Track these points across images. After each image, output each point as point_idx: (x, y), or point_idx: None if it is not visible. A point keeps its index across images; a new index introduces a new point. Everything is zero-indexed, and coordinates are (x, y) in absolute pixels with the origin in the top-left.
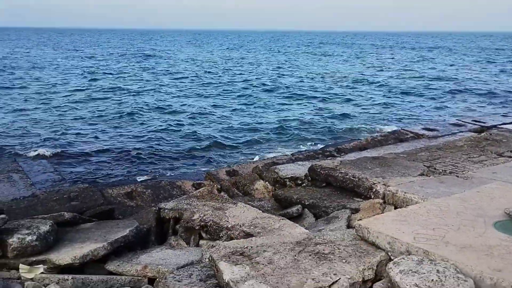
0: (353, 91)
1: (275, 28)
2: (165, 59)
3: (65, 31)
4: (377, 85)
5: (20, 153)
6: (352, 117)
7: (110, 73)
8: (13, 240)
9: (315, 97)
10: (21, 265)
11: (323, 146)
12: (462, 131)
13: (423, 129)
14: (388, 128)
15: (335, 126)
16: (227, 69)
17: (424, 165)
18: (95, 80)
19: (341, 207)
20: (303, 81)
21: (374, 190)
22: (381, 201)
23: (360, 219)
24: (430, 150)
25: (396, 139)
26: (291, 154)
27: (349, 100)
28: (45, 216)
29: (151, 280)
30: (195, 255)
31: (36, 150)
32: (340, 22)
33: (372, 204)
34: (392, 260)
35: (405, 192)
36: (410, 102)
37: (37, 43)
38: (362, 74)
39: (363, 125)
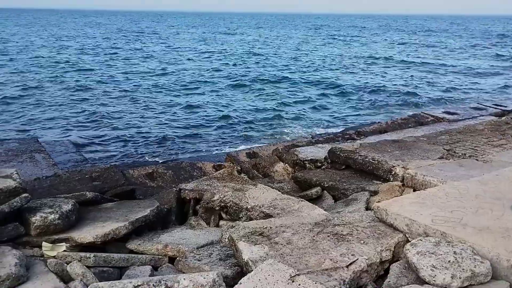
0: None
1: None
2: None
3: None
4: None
5: (42, 133)
6: (374, 101)
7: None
8: (36, 219)
9: (336, 83)
10: (44, 243)
11: (343, 129)
12: (482, 115)
13: (444, 112)
14: (409, 111)
15: (356, 109)
16: (246, 56)
17: (444, 149)
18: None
19: (360, 190)
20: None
21: (393, 172)
22: (400, 183)
23: (379, 201)
24: (450, 134)
25: (416, 123)
26: (311, 137)
27: (371, 84)
28: (67, 195)
29: (172, 259)
30: (215, 235)
31: (59, 131)
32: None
33: (391, 187)
34: (410, 241)
35: (424, 175)
36: (431, 84)
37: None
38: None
39: (385, 109)
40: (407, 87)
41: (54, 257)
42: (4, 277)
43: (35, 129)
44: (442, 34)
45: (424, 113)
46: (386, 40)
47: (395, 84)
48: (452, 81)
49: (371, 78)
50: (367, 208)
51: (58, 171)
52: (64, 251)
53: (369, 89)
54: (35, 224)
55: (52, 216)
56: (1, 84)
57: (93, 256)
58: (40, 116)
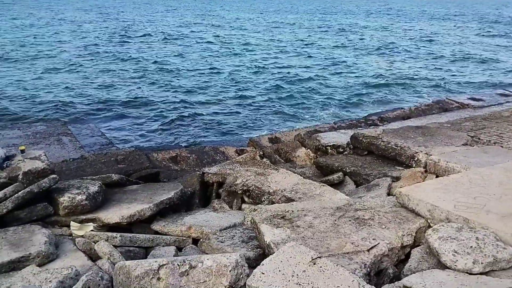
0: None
1: None
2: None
3: None
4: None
5: (69, 117)
6: (400, 85)
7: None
8: (64, 199)
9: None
10: (72, 223)
11: (365, 115)
12: (509, 101)
13: (469, 98)
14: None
15: (376, 94)
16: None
17: (468, 135)
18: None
19: (382, 175)
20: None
21: (416, 159)
22: (422, 170)
23: (401, 187)
24: (475, 120)
25: (440, 109)
26: (333, 123)
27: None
28: (94, 177)
29: (195, 241)
30: (237, 218)
31: (84, 114)
32: None
33: (413, 173)
34: (432, 227)
35: (447, 162)
36: (457, 70)
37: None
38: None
39: (407, 93)
40: (433, 72)
41: (82, 236)
42: (35, 255)
43: (62, 111)
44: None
45: (449, 99)
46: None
47: (420, 71)
48: (477, 68)
49: (397, 64)
50: (389, 194)
51: (85, 154)
52: (92, 230)
53: (394, 75)
54: (63, 204)
55: (80, 197)
56: (32, 66)
57: (120, 236)
58: (67, 99)
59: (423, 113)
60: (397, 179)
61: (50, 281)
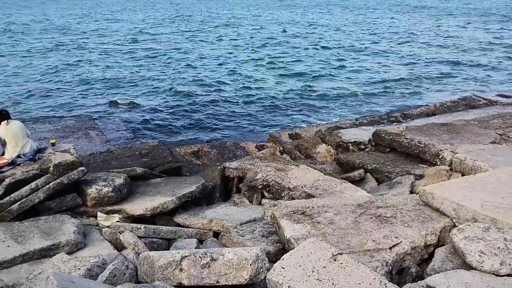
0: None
1: None
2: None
3: None
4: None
5: (96, 111)
6: (421, 81)
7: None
8: (92, 190)
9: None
10: (99, 213)
11: (388, 111)
12: None
13: (497, 95)
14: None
15: (399, 91)
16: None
17: (496, 133)
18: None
19: (404, 173)
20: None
21: (440, 156)
22: (447, 168)
23: (425, 185)
24: (504, 118)
25: (467, 106)
26: (355, 119)
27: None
28: (119, 170)
29: (216, 234)
30: (257, 212)
31: (110, 109)
32: None
33: (438, 171)
34: (457, 226)
35: (474, 160)
36: (484, 65)
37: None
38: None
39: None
40: (458, 67)
41: (108, 226)
42: (64, 243)
43: (89, 107)
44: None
45: (476, 96)
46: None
47: (446, 65)
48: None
49: (419, 57)
50: (412, 192)
51: (111, 148)
52: (117, 221)
53: (417, 69)
54: (91, 196)
55: (106, 188)
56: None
57: (144, 227)
58: (93, 94)
59: (449, 110)
60: (420, 177)
61: (78, 268)
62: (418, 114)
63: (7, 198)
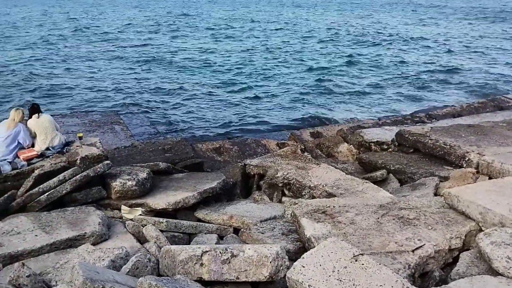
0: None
1: None
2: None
3: None
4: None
5: (121, 107)
6: (447, 81)
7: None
8: (116, 184)
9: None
10: (123, 207)
11: (412, 111)
12: None
13: None
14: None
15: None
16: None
17: None
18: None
19: (429, 174)
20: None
21: (466, 159)
22: (474, 170)
23: (450, 188)
24: None
25: (495, 107)
26: (378, 119)
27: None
28: (143, 164)
29: (236, 230)
30: (277, 210)
31: (135, 104)
32: None
33: (463, 173)
34: (483, 231)
35: (502, 163)
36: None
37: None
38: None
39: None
40: (486, 68)
41: (131, 219)
42: (89, 234)
43: (115, 102)
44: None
45: (505, 97)
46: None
47: (474, 66)
48: None
49: (449, 58)
50: (436, 194)
51: (135, 142)
52: (140, 215)
53: (443, 69)
54: (115, 189)
55: (130, 182)
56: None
57: (166, 221)
58: (118, 90)
59: (476, 111)
60: (445, 179)
61: (103, 259)
62: (443, 114)
63: (36, 189)
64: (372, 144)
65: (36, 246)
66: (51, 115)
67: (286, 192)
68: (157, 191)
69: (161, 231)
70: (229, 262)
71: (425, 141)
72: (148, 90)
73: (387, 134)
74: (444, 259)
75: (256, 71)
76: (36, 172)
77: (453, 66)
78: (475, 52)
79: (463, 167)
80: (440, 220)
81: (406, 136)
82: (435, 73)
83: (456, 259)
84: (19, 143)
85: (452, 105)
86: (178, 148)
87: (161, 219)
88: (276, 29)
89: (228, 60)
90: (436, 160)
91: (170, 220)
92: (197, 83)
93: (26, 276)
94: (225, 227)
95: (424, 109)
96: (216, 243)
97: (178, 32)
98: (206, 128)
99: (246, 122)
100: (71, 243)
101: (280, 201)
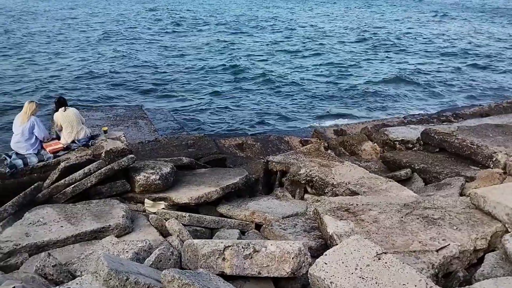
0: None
1: None
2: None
3: None
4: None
5: (145, 102)
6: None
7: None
8: (140, 177)
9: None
10: (146, 200)
11: (438, 110)
12: None
13: None
14: None
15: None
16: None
17: None
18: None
19: (454, 174)
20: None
21: (494, 159)
22: (501, 171)
23: (476, 188)
24: None
25: None
26: (403, 117)
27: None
28: (166, 159)
29: (258, 226)
30: (299, 207)
31: (159, 99)
32: None
33: (490, 174)
34: (509, 232)
35: None
36: None
37: None
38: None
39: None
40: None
41: (154, 213)
42: (114, 226)
43: (139, 96)
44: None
45: None
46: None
47: (505, 66)
48: None
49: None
50: (461, 194)
51: (158, 137)
52: (163, 208)
53: (473, 67)
54: (139, 183)
55: (154, 176)
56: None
57: (188, 215)
58: (143, 85)
59: (504, 111)
60: (471, 179)
61: (126, 251)
62: (471, 114)
63: (62, 181)
64: (397, 142)
65: (61, 237)
66: (77, 108)
67: (309, 189)
68: (180, 186)
69: (184, 225)
70: (251, 257)
71: (452, 140)
72: (171, 86)
73: (413, 133)
74: (469, 260)
75: (280, 66)
76: (62, 164)
77: (482, 64)
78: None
79: (490, 168)
80: (466, 220)
81: (432, 135)
82: (463, 71)
83: (480, 260)
84: (36, 136)
85: (479, 105)
86: (201, 143)
87: (184, 213)
88: (301, 27)
89: (252, 54)
90: (462, 160)
91: (193, 214)
92: (221, 79)
93: (52, 266)
94: (247, 222)
95: (451, 108)
96: (238, 239)
97: (196, 28)
98: (229, 124)
99: (269, 118)
100: (96, 235)
101: (302, 198)
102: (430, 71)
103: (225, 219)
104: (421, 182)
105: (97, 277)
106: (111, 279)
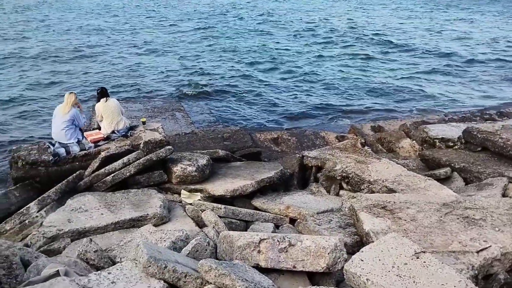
0: None
1: None
2: None
3: None
4: None
5: (182, 94)
6: None
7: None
8: (177, 169)
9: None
10: (182, 191)
11: (481, 108)
12: None
13: None
14: None
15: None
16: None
17: None
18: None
19: (497, 175)
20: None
21: None
22: None
23: None
24: None
25: None
26: (444, 115)
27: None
28: (203, 151)
29: (292, 220)
30: (335, 203)
31: (196, 93)
32: None
33: None
34: None
35: None
36: None
37: None
38: None
39: None
40: None
41: (190, 204)
42: (151, 215)
43: (177, 89)
44: None
45: None
46: None
47: None
48: None
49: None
50: (504, 195)
51: (195, 129)
52: (199, 200)
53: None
54: (176, 174)
55: (190, 168)
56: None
57: (224, 207)
58: (181, 78)
59: None
60: None
61: (164, 240)
62: None
63: (102, 170)
64: (437, 140)
65: (102, 223)
66: (117, 99)
67: (344, 185)
68: (216, 178)
69: (219, 216)
70: (287, 251)
71: (495, 139)
72: (209, 79)
73: (454, 131)
74: (511, 262)
75: (313, 59)
76: (103, 154)
77: None
78: None
79: None
80: (508, 222)
81: (475, 133)
82: (506, 68)
83: None
84: (76, 126)
85: None
86: (237, 136)
87: (219, 205)
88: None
89: (291, 52)
90: (506, 160)
91: (228, 206)
92: (257, 73)
93: (94, 251)
94: (281, 216)
95: (495, 106)
96: (272, 232)
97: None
98: (265, 118)
99: (305, 113)
100: (134, 223)
101: (337, 194)
102: (474, 65)
103: (260, 212)
104: (461, 182)
105: (136, 264)
106: (150, 266)
